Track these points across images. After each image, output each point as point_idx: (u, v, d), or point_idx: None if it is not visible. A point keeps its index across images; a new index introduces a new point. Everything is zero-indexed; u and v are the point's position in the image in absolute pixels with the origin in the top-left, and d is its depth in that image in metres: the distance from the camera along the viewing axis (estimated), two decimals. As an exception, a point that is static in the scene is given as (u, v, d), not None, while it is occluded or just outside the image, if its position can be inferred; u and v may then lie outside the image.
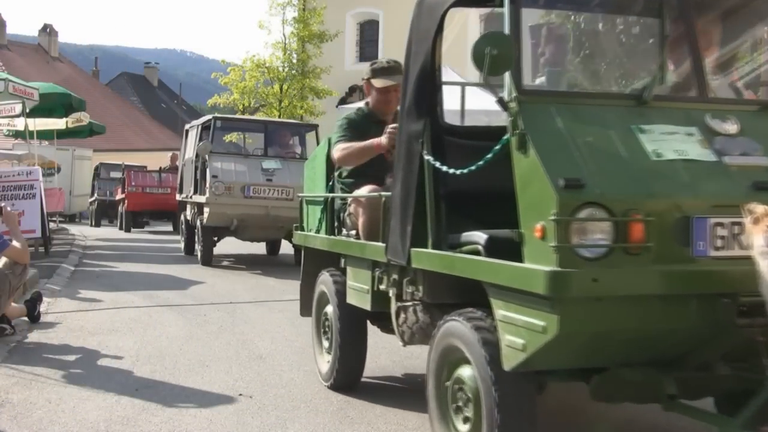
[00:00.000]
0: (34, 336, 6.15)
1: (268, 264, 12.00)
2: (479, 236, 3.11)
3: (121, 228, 19.88)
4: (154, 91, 57.87)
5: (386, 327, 4.48)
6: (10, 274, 5.87)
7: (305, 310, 5.28)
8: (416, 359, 5.63)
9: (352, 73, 28.79)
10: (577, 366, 3.03)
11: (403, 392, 4.82)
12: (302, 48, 23.32)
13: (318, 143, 11.88)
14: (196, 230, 11.97)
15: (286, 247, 12.35)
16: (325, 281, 4.82)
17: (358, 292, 4.31)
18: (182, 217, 13.56)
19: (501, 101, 2.91)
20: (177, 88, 59.99)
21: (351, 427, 4.11)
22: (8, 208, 6.34)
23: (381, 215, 3.90)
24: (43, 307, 6.87)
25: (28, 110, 12.27)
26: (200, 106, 60.24)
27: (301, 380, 5.01)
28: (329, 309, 4.75)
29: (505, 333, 2.86)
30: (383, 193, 3.92)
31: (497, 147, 2.96)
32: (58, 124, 16.50)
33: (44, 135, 17.61)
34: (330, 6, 25.27)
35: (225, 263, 11.79)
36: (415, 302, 3.71)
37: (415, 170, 3.42)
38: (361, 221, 4.23)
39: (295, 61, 23.27)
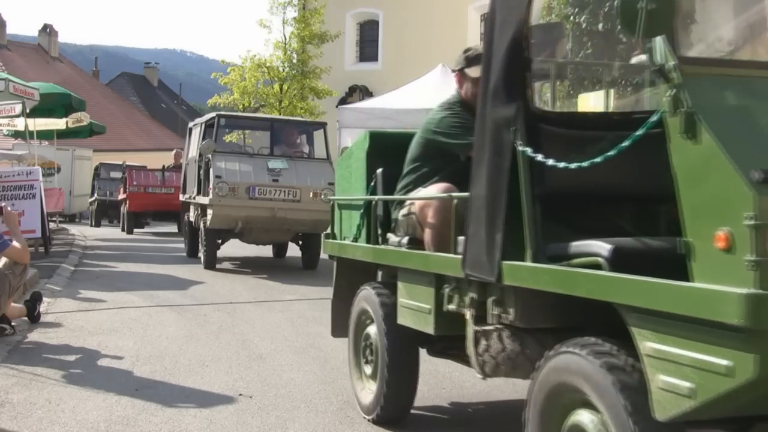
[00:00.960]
0: (34, 336, 6.15)
1: (274, 267, 11.72)
2: (600, 246, 2.50)
3: (123, 229, 19.04)
4: (154, 91, 57.86)
5: (439, 351, 4.00)
6: (10, 275, 5.87)
7: (338, 330, 4.70)
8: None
9: (352, 73, 28.83)
10: (750, 414, 2.33)
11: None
12: (302, 48, 23.33)
13: (326, 142, 11.65)
14: (199, 233, 11.48)
15: (293, 250, 12.12)
16: (367, 298, 4.16)
17: (416, 312, 3.64)
18: (185, 219, 13.07)
19: (661, 70, 2.27)
20: (177, 88, 60.02)
21: (351, 427, 4.11)
22: (8, 208, 6.34)
23: (454, 221, 3.31)
24: (43, 307, 6.87)
25: (28, 110, 12.28)
26: (200, 106, 60.17)
27: (301, 380, 5.01)
28: (372, 330, 4.13)
29: (659, 373, 2.20)
30: (457, 194, 3.32)
31: (638, 133, 2.34)
32: (58, 124, 16.52)
33: (44, 135, 17.64)
34: (330, 6, 25.27)
35: (230, 267, 11.54)
36: (501, 326, 3.03)
37: (505, 165, 2.80)
38: (427, 228, 3.58)
39: (295, 61, 23.28)
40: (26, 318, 6.48)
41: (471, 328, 3.17)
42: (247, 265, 11.70)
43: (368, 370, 4.24)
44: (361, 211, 4.28)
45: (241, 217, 10.35)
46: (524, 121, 2.77)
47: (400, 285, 3.81)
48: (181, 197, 13.28)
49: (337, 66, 25.83)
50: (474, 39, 28.20)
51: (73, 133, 18.11)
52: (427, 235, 3.58)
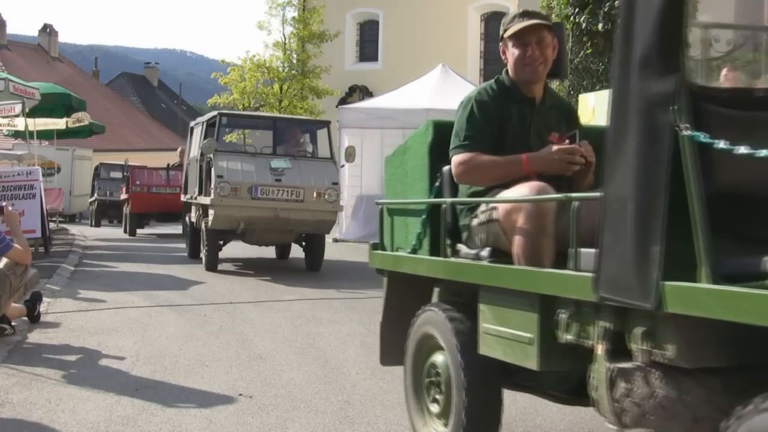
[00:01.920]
0: (34, 336, 6.15)
1: (278, 269, 11.54)
2: None
3: (125, 231, 18.17)
4: (154, 91, 57.89)
5: (518, 384, 3.34)
6: (11, 275, 5.87)
7: (389, 358, 4.02)
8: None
9: (352, 73, 28.85)
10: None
11: (403, 392, 4.80)
12: (302, 48, 23.35)
13: (330, 141, 11.29)
14: (200, 233, 11.14)
15: (296, 251, 11.94)
16: (433, 322, 3.41)
17: (509, 342, 2.94)
18: (186, 219, 12.79)
19: None
20: (177, 88, 60.04)
21: (351, 427, 4.12)
22: (9, 208, 6.33)
23: (552, 227, 2.84)
24: (43, 307, 6.87)
25: (27, 110, 12.28)
26: (200, 106, 60.17)
27: (301, 380, 5.01)
28: (440, 360, 3.38)
29: None
30: (578, 195, 2.68)
31: None
32: (58, 124, 16.55)
33: (44, 135, 17.64)
34: (330, 6, 25.31)
35: (231, 268, 11.22)
36: (650, 365, 2.35)
37: (664, 156, 2.15)
38: (517, 237, 2.93)
39: (295, 61, 23.30)
40: (26, 318, 6.48)
41: (604, 366, 2.47)
42: (250, 267, 11.59)
43: (435, 408, 3.48)
44: (423, 217, 3.55)
45: (243, 217, 10.12)
46: (687, 99, 2.14)
47: (483, 307, 3.09)
48: (183, 198, 13.05)
49: (337, 66, 25.85)
50: (474, 39, 28.25)
51: (73, 133, 18.11)
52: (517, 245, 2.92)
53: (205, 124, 11.58)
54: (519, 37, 3.27)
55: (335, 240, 13.54)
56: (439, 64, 16.87)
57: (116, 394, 4.58)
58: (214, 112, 11.72)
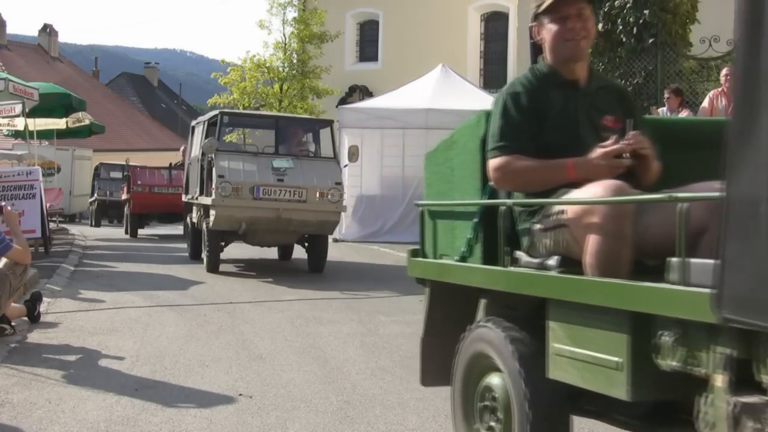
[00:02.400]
0: (34, 336, 6.15)
1: (280, 270, 11.26)
2: None
3: (126, 232, 17.58)
4: (154, 91, 57.92)
5: (586, 409, 2.90)
6: (10, 275, 5.87)
7: (431, 378, 3.59)
8: (416, 359, 5.62)
9: (352, 73, 28.85)
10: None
11: (403, 392, 4.81)
12: (302, 48, 23.36)
13: (333, 140, 11.13)
14: (202, 234, 10.91)
15: (299, 252, 11.66)
16: (489, 338, 2.96)
17: (590, 366, 2.51)
18: (188, 220, 12.57)
19: None
20: (177, 88, 60.08)
21: (351, 427, 4.11)
22: (9, 208, 6.33)
23: (630, 232, 2.50)
24: (43, 307, 6.87)
25: (27, 110, 12.28)
26: (200, 106, 60.14)
27: (301, 380, 5.01)
28: (496, 383, 2.95)
29: None
30: (686, 195, 2.26)
31: None
32: (58, 124, 16.55)
33: (44, 135, 17.63)
34: (330, 6, 25.30)
35: (233, 269, 10.98)
36: None
37: None
38: (592, 244, 2.56)
39: (295, 61, 23.31)
40: (26, 318, 6.48)
41: (724, 401, 2.08)
42: (252, 268, 11.51)
43: None
44: (474, 220, 3.12)
45: (245, 218, 9.94)
46: None
47: (554, 325, 2.66)
48: (184, 198, 12.83)
49: (337, 66, 25.84)
50: (474, 39, 28.25)
51: (73, 133, 18.10)
52: (591, 254, 2.55)
53: (206, 123, 11.40)
54: (556, 11, 2.95)
55: (335, 240, 13.54)
56: (439, 64, 16.87)
57: (116, 394, 4.58)
58: (216, 111, 11.51)
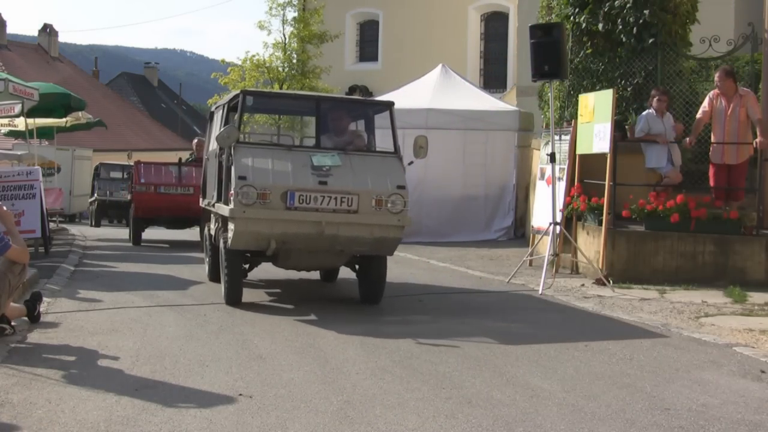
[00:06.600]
0: (34, 336, 6.15)
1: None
2: None
3: (130, 238, 15.03)
4: (154, 91, 57.96)
5: None
6: (9, 274, 5.88)
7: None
8: (416, 359, 5.63)
9: (352, 73, 28.88)
10: None
11: (403, 392, 4.81)
12: (302, 48, 23.38)
13: (393, 129, 8.12)
14: (219, 253, 8.25)
15: (345, 271, 8.73)
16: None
17: None
18: (206, 231, 9.78)
19: None
20: (177, 88, 60.13)
21: (351, 427, 4.12)
22: (4, 207, 6.32)
23: None
24: (43, 307, 6.86)
25: (26, 110, 12.28)
26: (200, 106, 60.30)
27: (301, 380, 5.01)
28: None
29: None
30: None
31: None
32: (57, 123, 16.54)
33: (44, 132, 17.58)
34: (330, 6, 25.33)
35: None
36: None
37: None
38: None
39: (295, 61, 23.33)
40: (26, 318, 6.48)
41: None
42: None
43: None
44: None
45: (274, 234, 7.36)
46: None
47: None
48: (201, 203, 10.05)
49: (337, 66, 25.87)
50: (474, 39, 28.28)
51: (74, 127, 17.94)
52: None
53: (226, 107, 8.69)
54: None
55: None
56: (439, 64, 16.89)
57: (116, 394, 4.58)
58: (237, 91, 8.60)
